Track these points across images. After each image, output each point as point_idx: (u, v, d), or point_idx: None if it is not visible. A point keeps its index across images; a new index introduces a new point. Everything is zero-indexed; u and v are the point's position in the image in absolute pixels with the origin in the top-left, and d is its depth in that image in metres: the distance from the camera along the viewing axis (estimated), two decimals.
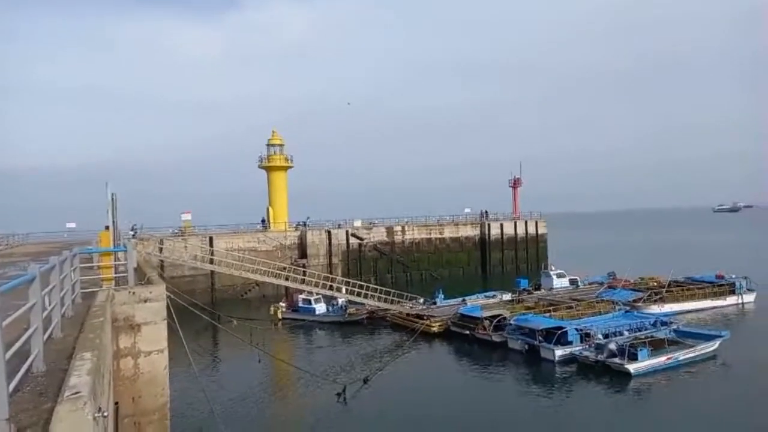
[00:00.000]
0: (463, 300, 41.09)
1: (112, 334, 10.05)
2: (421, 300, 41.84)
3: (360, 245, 60.05)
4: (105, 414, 5.48)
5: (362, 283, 41.95)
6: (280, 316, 41.37)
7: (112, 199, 14.51)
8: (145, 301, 11.08)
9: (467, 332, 32.98)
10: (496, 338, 31.45)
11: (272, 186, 61.88)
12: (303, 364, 28.17)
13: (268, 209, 61.34)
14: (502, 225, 69.98)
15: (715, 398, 22.48)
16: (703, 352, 27.59)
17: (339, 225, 62.08)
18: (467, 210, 72.79)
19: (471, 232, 68.54)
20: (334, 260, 57.70)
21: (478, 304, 38.94)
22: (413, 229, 64.56)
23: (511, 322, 31.73)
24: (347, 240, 59.32)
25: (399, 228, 63.70)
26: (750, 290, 42.31)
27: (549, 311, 34.91)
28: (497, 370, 27.25)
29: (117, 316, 10.74)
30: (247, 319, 36.47)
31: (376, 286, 41.84)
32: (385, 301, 39.91)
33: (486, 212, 72.69)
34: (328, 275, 46.06)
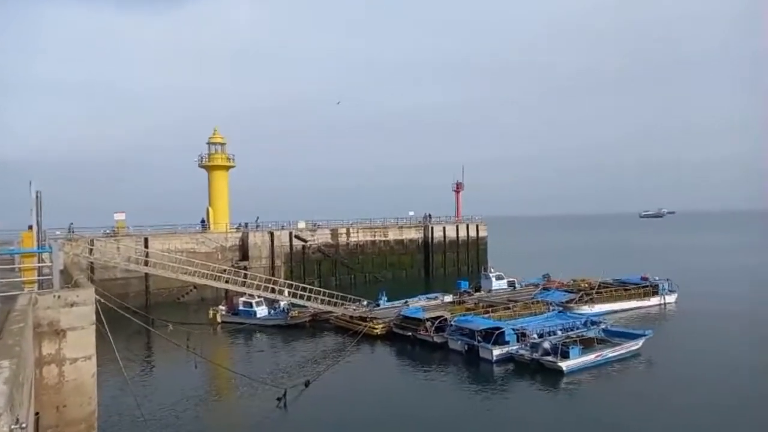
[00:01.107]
0: (406, 302, 41.55)
1: (34, 341, 9.46)
2: (365, 302, 41.93)
3: (304, 247, 59.43)
4: (23, 425, 5.16)
5: (306, 285, 41.54)
6: (219, 319, 40.23)
7: (37, 197, 13.66)
8: (72, 306, 10.49)
9: (409, 334, 33.38)
10: (437, 339, 32.02)
11: (213, 185, 60.12)
12: (242, 368, 27.53)
13: (208, 209, 59.55)
14: (444, 228, 71.39)
15: (640, 392, 23.90)
16: (629, 349, 29.28)
17: (282, 226, 61.19)
18: (411, 213, 73.85)
19: (414, 234, 69.45)
20: (277, 262, 56.78)
21: (420, 305, 39.53)
22: (358, 232, 64.62)
23: (452, 323, 32.41)
24: (291, 242, 58.56)
25: (344, 230, 63.58)
26: (671, 291, 45.30)
27: (488, 312, 35.96)
28: (438, 371, 27.74)
29: (40, 321, 10.12)
30: (184, 323, 35.21)
31: (319, 289, 41.55)
32: (329, 303, 39.71)
33: (429, 215, 73.92)
34: (271, 278, 45.28)
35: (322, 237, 61.54)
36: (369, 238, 65.30)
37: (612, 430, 19.90)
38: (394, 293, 45.47)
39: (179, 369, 28.36)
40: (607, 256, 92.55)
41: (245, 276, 41.73)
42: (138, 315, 26.01)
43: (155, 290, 48.99)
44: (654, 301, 44.01)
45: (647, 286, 45.11)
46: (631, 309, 42.27)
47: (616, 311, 41.25)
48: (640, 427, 19.96)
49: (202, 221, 58.47)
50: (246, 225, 60.59)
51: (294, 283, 41.61)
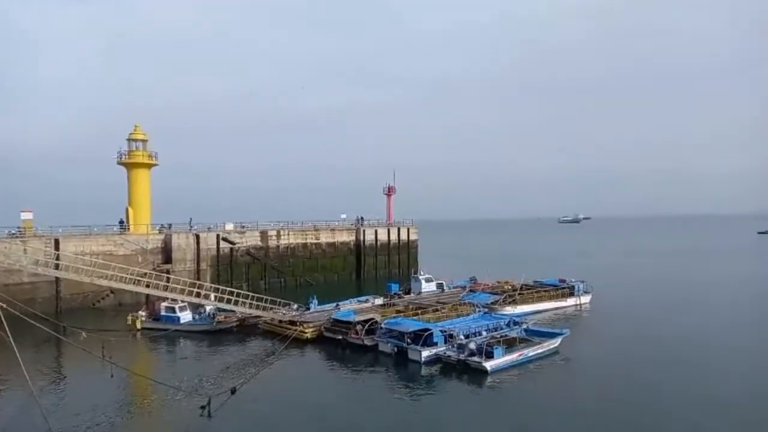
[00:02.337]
0: (337, 305, 41.43)
1: None
2: (295, 306, 41.39)
3: (232, 250, 57.72)
4: None
5: (233, 289, 40.35)
6: (139, 326, 38.16)
7: None
8: None
9: (340, 337, 33.32)
10: (367, 342, 32.18)
11: (133, 184, 57.01)
12: (163, 376, 26.26)
13: (127, 209, 56.38)
14: (376, 231, 71.95)
15: (558, 388, 25.27)
16: (548, 348, 30.90)
17: (209, 228, 59.07)
18: (343, 216, 73.81)
19: (346, 237, 69.44)
20: (203, 266, 54.75)
21: (351, 308, 39.54)
22: (289, 234, 63.66)
23: (382, 325, 32.70)
24: (218, 244, 56.67)
25: (274, 233, 62.39)
26: (586, 292, 48.33)
27: (417, 314, 36.63)
28: (367, 374, 27.87)
29: None
30: (100, 330, 33.08)
31: (248, 293, 40.50)
32: (257, 307, 38.80)
33: (361, 218, 74.24)
34: (196, 281, 43.56)
35: (251, 239, 60.05)
36: (300, 241, 64.51)
37: (532, 424, 20.89)
38: (326, 296, 45.22)
39: (93, 379, 26.61)
40: (528, 258, 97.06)
41: (168, 280, 39.82)
42: (47, 322, 24.15)
43: (67, 295, 45.71)
44: (570, 301, 46.73)
45: (564, 288, 47.86)
46: (550, 309, 44.63)
47: (536, 312, 43.39)
48: (557, 420, 21.10)
49: (121, 222, 55.27)
50: (169, 226, 57.93)
51: (221, 287, 40.27)
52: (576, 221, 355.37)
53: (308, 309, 41.04)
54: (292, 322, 36.31)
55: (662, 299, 51.19)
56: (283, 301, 41.23)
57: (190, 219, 59.85)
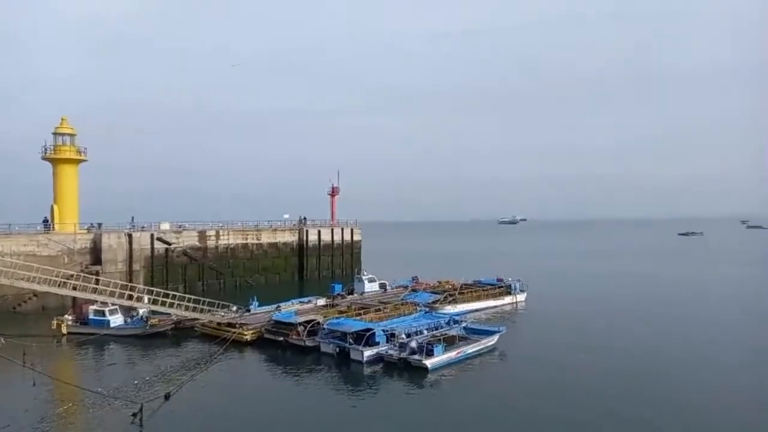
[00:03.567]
0: (278, 306, 40.80)
1: None
2: (234, 308, 40.38)
3: (167, 251, 55.53)
4: None
5: (168, 291, 38.86)
6: (65, 330, 35.95)
7: None
8: None
9: (281, 339, 32.84)
10: (309, 343, 31.91)
11: (59, 181, 53.68)
12: (92, 383, 24.90)
13: (52, 207, 52.99)
14: (319, 231, 71.45)
15: (494, 383, 26.12)
16: (486, 345, 31.85)
17: (143, 228, 56.53)
18: (286, 216, 72.75)
19: (289, 238, 68.53)
20: (136, 267, 52.33)
21: (292, 309, 39.09)
22: (228, 234, 62.01)
23: (325, 326, 32.53)
24: (152, 245, 54.36)
25: (213, 233, 60.58)
26: (522, 291, 50.18)
27: (360, 314, 36.72)
28: (309, 375, 27.64)
29: None
30: (21, 336, 30.92)
31: (184, 295, 39.15)
32: (194, 310, 37.55)
33: (305, 218, 73.49)
34: (127, 284, 41.61)
35: (189, 240, 58.03)
36: (240, 241, 63.01)
37: (470, 419, 21.46)
38: (267, 298, 44.41)
39: (14, 388, 24.84)
40: (468, 258, 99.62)
41: (97, 282, 37.82)
42: None
43: None
44: (507, 299, 48.39)
45: (502, 287, 49.51)
46: (488, 308, 46.04)
47: (475, 310, 44.63)
48: (494, 414, 21.79)
49: (45, 221, 51.87)
50: (99, 226, 54.96)
51: (155, 289, 38.66)
52: (514, 222, 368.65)
53: (248, 311, 40.17)
54: (231, 325, 35.43)
55: (591, 296, 53.97)
56: (221, 302, 40.14)
57: (132, 218, 57.14)
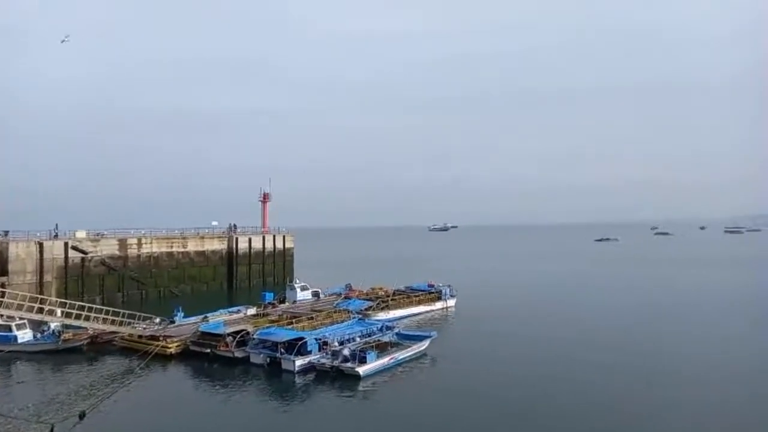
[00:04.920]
0: (205, 317, 39.32)
1: None
2: (157, 320, 38.47)
3: (83, 260, 51.99)
4: None
5: (84, 304, 36.40)
6: None
7: None
8: None
9: (208, 350, 31.64)
10: (238, 354, 30.97)
11: None
12: None
13: None
14: (250, 239, 69.66)
15: (424, 387, 26.59)
16: (418, 350, 32.34)
17: (55, 235, 52.62)
18: (214, 223, 70.32)
19: (218, 245, 66.27)
20: (47, 278, 48.55)
21: (220, 320, 37.80)
22: (151, 242, 59.03)
23: (255, 336, 31.72)
24: (66, 254, 50.69)
25: (134, 241, 57.42)
26: (453, 296, 51.48)
27: (292, 323, 36.14)
28: (238, 387, 26.80)
29: None
30: None
31: (101, 307, 36.81)
32: (113, 323, 35.37)
33: (234, 225, 71.40)
34: (38, 296, 38.54)
35: (108, 248, 54.65)
36: (165, 250, 60.16)
37: (400, 425, 21.69)
38: (193, 308, 42.68)
39: None
40: (401, 264, 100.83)
41: (2, 295, 34.74)
42: None
43: None
44: (438, 305, 49.45)
45: (433, 292, 50.54)
46: (420, 313, 46.82)
47: (407, 316, 45.23)
48: (424, 419, 22.15)
49: None
50: (6, 233, 50.60)
51: (69, 302, 36.05)
52: (444, 229, 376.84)
53: (173, 322, 38.40)
54: (154, 337, 33.69)
55: (517, 300, 56.20)
56: (143, 314, 38.11)
57: (56, 225, 52.96)
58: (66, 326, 34.68)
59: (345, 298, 49.26)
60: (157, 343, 32.52)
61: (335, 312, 40.81)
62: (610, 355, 32.54)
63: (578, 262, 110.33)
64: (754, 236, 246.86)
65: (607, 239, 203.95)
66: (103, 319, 35.08)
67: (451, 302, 50.79)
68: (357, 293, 51.47)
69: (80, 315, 34.38)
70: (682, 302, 53.71)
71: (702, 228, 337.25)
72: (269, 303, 46.95)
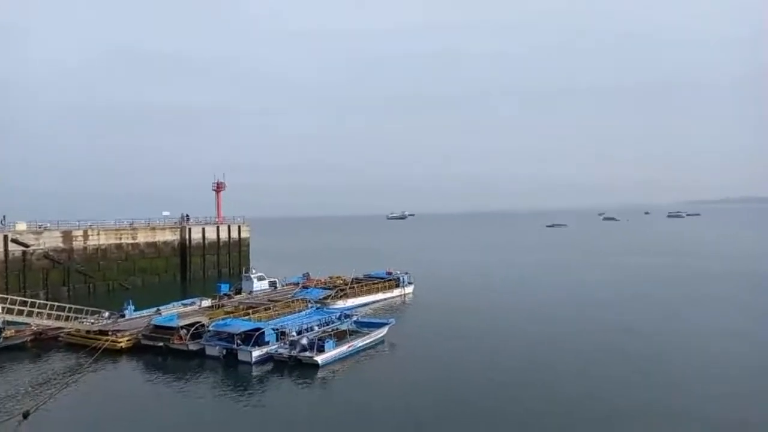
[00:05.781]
0: (158, 310, 38.17)
1: None
2: (106, 314, 37.02)
3: (25, 253, 49.37)
4: None
5: (26, 299, 34.61)
6: None
7: None
8: None
9: (161, 344, 30.77)
10: (192, 347, 30.28)
11: None
12: None
13: None
14: (204, 229, 67.94)
15: (383, 373, 26.86)
16: (376, 337, 32.54)
17: None
18: (166, 213, 68.06)
19: (170, 236, 64.31)
20: None
21: (174, 312, 36.78)
22: (99, 234, 56.64)
23: (210, 328, 31.08)
24: (5, 247, 47.99)
25: (80, 233, 54.93)
26: (410, 283, 52.01)
27: (248, 314, 35.59)
28: (193, 381, 26.23)
29: None
30: None
31: (46, 302, 35.09)
32: (58, 318, 33.81)
33: (187, 216, 69.36)
34: None
35: (51, 241, 52.08)
36: (114, 242, 57.89)
37: (359, 410, 21.83)
38: (145, 301, 41.35)
39: None
40: (359, 253, 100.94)
41: None
42: None
43: None
44: (396, 292, 49.88)
45: (391, 280, 50.91)
46: (378, 301, 47.12)
47: (366, 304, 45.45)
48: (382, 405, 22.37)
49: None
50: (1, 224, 47.52)
51: (9, 297, 34.19)
52: (402, 218, 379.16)
53: (123, 316, 37.10)
54: (103, 332, 32.48)
55: (472, 285, 57.42)
56: (91, 309, 36.59)
57: (3, 217, 49.77)
58: (7, 323, 32.93)
59: (303, 287, 48.91)
60: (106, 338, 31.38)
61: (293, 301, 40.46)
62: (558, 332, 33.82)
63: (531, 246, 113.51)
64: (694, 219, 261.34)
65: (558, 225, 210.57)
66: (48, 314, 33.47)
67: (409, 289, 51.32)
68: (315, 282, 51.22)
69: (22, 311, 32.67)
70: (626, 284, 56.20)
71: (646, 213, 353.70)
72: (225, 294, 46.10)
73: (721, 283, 55.66)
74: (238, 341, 29.13)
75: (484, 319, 39.44)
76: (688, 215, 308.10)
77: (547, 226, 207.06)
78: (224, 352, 29.25)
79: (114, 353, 30.29)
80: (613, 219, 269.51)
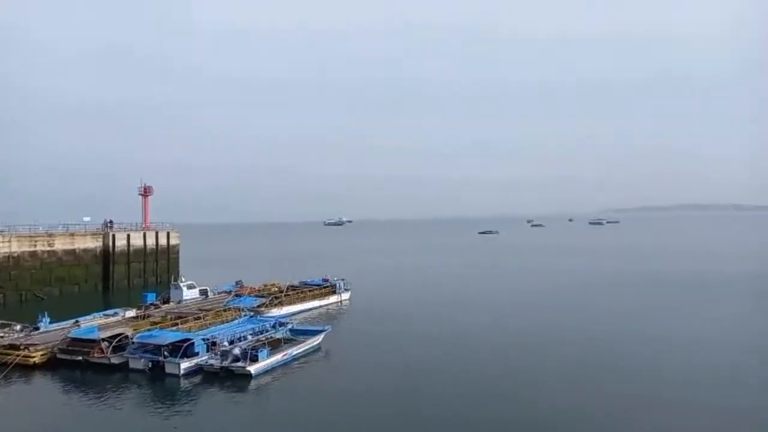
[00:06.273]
0: (76, 321, 35.83)
1: None
2: (18, 326, 34.35)
3: None
4: None
5: None
6: None
7: None
8: None
9: (80, 358, 28.90)
10: (115, 360, 28.67)
11: None
12: None
13: None
14: (129, 236, 64.58)
15: (318, 383, 26.62)
16: (311, 345, 32.24)
17: None
18: (86, 219, 64.14)
19: (91, 243, 60.60)
20: None
21: (94, 324, 34.67)
22: (10, 241, 52.43)
23: (134, 340, 29.57)
24: None
25: None
26: (347, 290, 51.95)
27: (177, 324, 34.21)
28: (115, 396, 24.81)
29: None
30: None
31: None
32: None
33: (110, 222, 65.68)
34: None
35: None
36: (27, 249, 53.77)
37: (294, 419, 21.54)
38: (63, 312, 38.69)
39: None
40: (295, 260, 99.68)
41: None
42: None
43: None
44: (333, 299, 49.68)
45: (327, 286, 50.65)
46: (314, 308, 46.73)
47: (302, 311, 44.94)
48: (317, 413, 22.19)
49: None
50: None
51: None
52: (339, 224, 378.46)
53: (37, 329, 34.48)
54: (14, 346, 30.03)
55: (408, 291, 58.24)
56: (1, 321, 33.81)
57: None
58: None
59: (236, 295, 47.63)
60: (17, 352, 29.04)
61: (225, 310, 39.31)
62: (494, 334, 35.03)
63: (464, 252, 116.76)
64: (613, 226, 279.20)
65: (490, 232, 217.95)
66: None
67: (346, 296, 51.25)
68: (248, 290, 50.04)
69: None
70: (552, 286, 59.16)
71: (570, 220, 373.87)
72: (151, 304, 44.02)
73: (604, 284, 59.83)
74: (165, 353, 27.90)
75: (422, 325, 40.05)
76: (608, 222, 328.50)
77: (480, 233, 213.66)
78: (150, 364, 27.90)
79: (26, 369, 28.10)
80: (540, 225, 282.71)
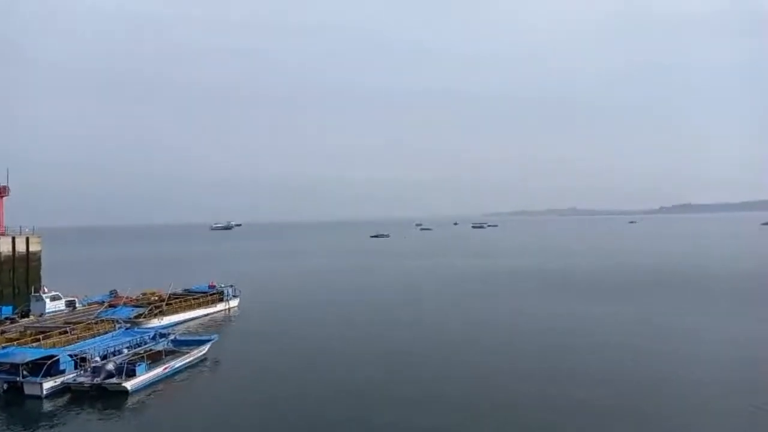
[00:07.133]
0: None
1: None
2: None
3: None
4: None
5: None
6: None
7: None
8: None
9: None
10: None
11: None
12: None
13: None
14: None
15: (204, 395, 25.42)
16: (196, 356, 30.65)
17: None
18: None
19: None
20: None
21: None
22: None
23: None
24: None
25: None
26: (235, 296, 50.13)
27: (38, 340, 30.72)
28: None
29: None
30: None
31: None
32: None
33: None
34: None
35: None
36: None
37: None
38: None
39: None
40: (179, 266, 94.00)
41: None
42: None
43: None
44: (220, 306, 47.65)
45: (214, 293, 48.48)
46: (200, 317, 44.47)
47: (186, 320, 42.55)
48: (204, 425, 21.19)
49: None
50: None
51: None
52: (228, 228, 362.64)
53: None
54: None
55: (298, 296, 57.55)
56: None
57: None
58: None
59: (109, 306, 43.74)
60: None
61: (97, 323, 35.98)
62: (382, 335, 35.87)
63: (358, 256, 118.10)
64: (493, 229, 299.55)
65: (381, 235, 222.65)
66: None
67: (234, 303, 49.45)
68: (125, 300, 46.23)
69: None
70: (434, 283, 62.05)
71: (455, 224, 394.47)
72: (7, 318, 39.12)
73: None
74: (24, 372, 24.96)
75: (313, 331, 39.69)
76: (489, 226, 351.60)
77: (371, 236, 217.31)
78: (5, 386, 24.82)
79: None
80: (428, 229, 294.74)
